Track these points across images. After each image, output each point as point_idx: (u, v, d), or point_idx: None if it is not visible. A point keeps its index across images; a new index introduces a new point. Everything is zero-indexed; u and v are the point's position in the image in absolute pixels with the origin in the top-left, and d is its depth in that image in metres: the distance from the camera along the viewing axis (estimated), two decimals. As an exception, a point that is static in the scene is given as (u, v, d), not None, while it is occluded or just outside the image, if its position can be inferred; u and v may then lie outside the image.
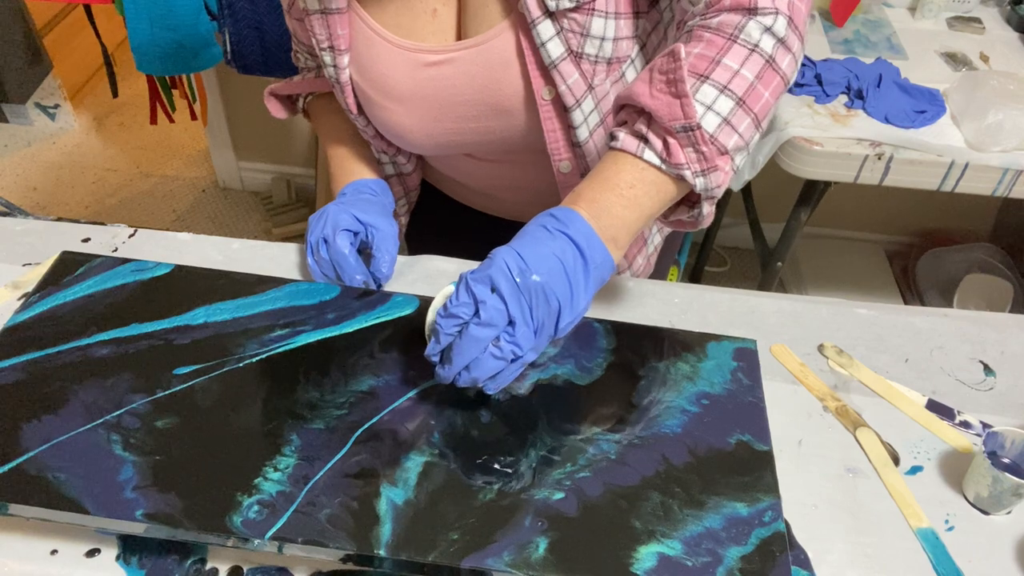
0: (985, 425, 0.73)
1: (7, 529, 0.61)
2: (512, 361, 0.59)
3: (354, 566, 0.59)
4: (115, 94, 1.86)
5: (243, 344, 0.70)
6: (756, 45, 0.61)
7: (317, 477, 0.60)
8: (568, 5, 0.67)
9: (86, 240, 0.85)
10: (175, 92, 1.81)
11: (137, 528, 0.57)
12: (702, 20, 0.63)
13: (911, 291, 2.03)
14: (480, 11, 0.72)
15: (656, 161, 0.61)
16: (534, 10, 0.68)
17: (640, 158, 0.61)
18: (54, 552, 0.60)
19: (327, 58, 0.78)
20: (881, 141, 1.27)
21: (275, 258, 0.85)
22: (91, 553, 0.60)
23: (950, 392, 0.76)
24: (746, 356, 0.74)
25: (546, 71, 0.71)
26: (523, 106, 0.75)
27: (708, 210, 0.64)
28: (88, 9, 1.73)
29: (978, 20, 1.57)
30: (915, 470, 0.70)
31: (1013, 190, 1.29)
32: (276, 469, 0.60)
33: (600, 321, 0.76)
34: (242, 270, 0.78)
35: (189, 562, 0.60)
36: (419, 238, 1.07)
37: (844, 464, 0.70)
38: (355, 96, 0.81)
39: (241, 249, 0.86)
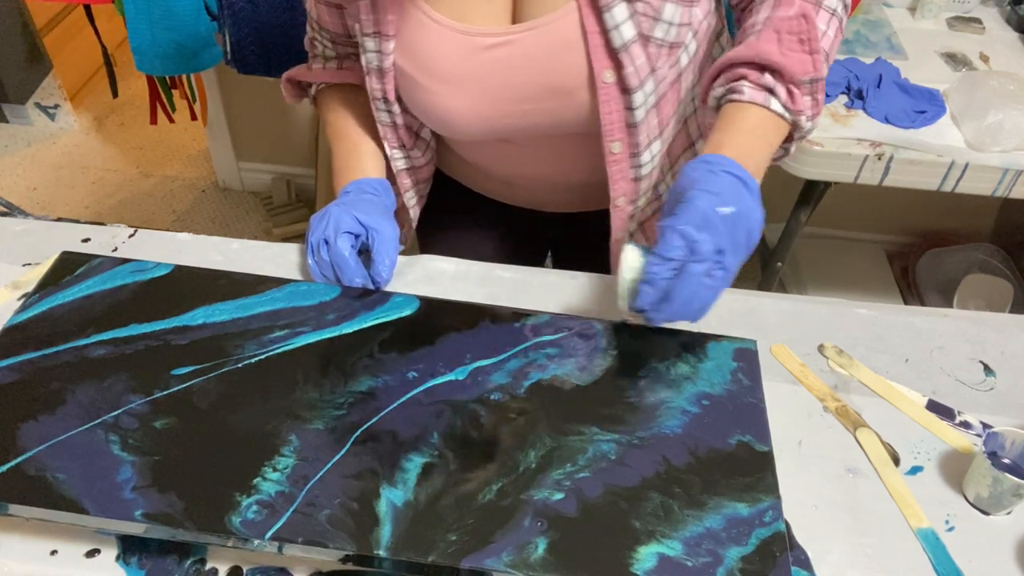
0: (985, 425, 0.73)
1: (7, 529, 0.61)
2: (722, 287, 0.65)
3: (354, 566, 0.59)
4: (115, 94, 1.86)
5: (242, 345, 0.70)
6: (834, 11, 0.74)
7: (317, 477, 0.60)
8: None
9: (86, 240, 0.85)
10: (175, 92, 1.81)
11: (136, 528, 0.57)
12: None
13: (911, 291, 2.03)
14: None
15: (780, 109, 0.71)
16: None
17: (767, 107, 0.71)
18: (54, 552, 0.60)
19: (371, 44, 0.78)
20: (881, 141, 1.27)
21: (275, 258, 0.85)
22: (91, 553, 0.60)
23: (950, 392, 0.76)
24: (746, 356, 0.74)
25: (613, 53, 0.73)
26: (582, 88, 0.75)
27: (794, 149, 0.77)
28: (88, 9, 1.73)
29: (978, 20, 1.57)
30: (915, 470, 0.70)
31: (1013, 190, 1.29)
32: (275, 469, 0.60)
33: (600, 321, 0.76)
34: (242, 270, 0.78)
35: (189, 562, 0.60)
36: (426, 228, 1.06)
37: (844, 464, 0.70)
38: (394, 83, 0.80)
39: (241, 249, 0.86)
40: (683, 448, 0.65)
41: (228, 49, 1.64)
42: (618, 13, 0.70)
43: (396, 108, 0.83)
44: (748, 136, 0.70)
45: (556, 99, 0.77)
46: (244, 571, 0.60)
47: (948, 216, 2.13)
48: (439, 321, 0.74)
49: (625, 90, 0.74)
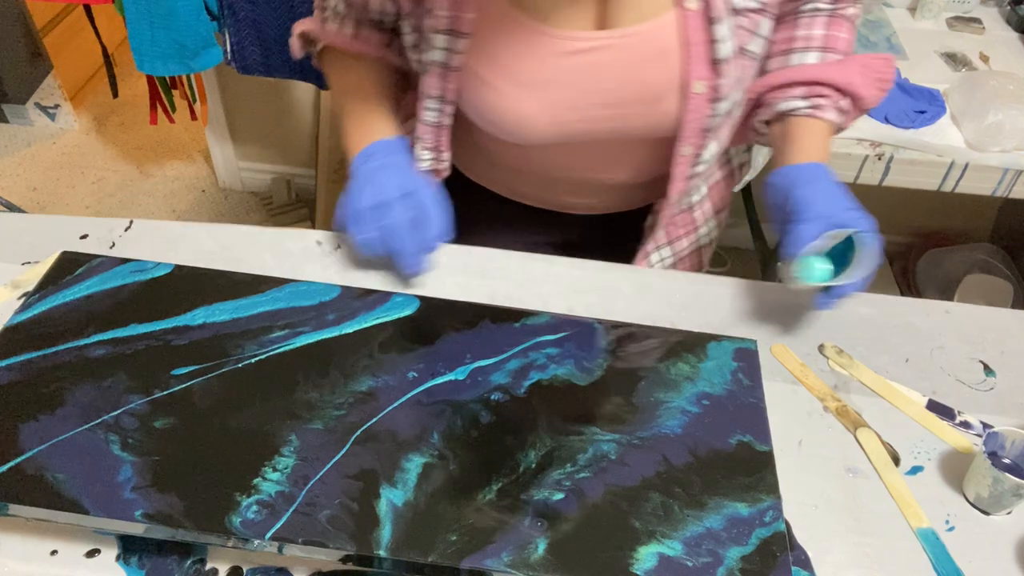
0: (985, 425, 0.73)
1: (7, 529, 0.61)
2: None
3: (354, 566, 0.59)
4: (115, 94, 1.86)
5: (242, 345, 0.70)
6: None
7: (317, 477, 0.60)
8: (753, 5, 0.72)
9: (84, 237, 0.85)
10: (175, 92, 1.81)
11: (136, 528, 0.57)
12: (841, 9, 0.83)
13: (911, 291, 2.03)
14: (641, 1, 0.72)
15: (842, 125, 0.83)
16: (718, 6, 0.71)
17: (840, 127, 0.83)
18: (54, 552, 0.60)
19: (440, 41, 0.75)
20: (881, 141, 1.27)
21: (272, 246, 0.84)
22: (91, 553, 0.60)
23: (950, 392, 0.76)
24: (746, 356, 0.74)
25: (713, 64, 0.73)
26: (671, 96, 0.76)
27: None
28: (88, 9, 1.73)
29: (978, 20, 1.57)
30: (915, 470, 0.70)
31: (1013, 190, 1.29)
32: (275, 469, 0.60)
33: (600, 321, 0.76)
34: (238, 257, 0.78)
35: (189, 562, 0.60)
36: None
37: (844, 464, 0.70)
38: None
39: (238, 236, 0.85)
40: (683, 448, 0.65)
41: (228, 49, 1.64)
42: (723, 26, 0.72)
43: (449, 109, 0.81)
44: (824, 148, 0.81)
45: (640, 106, 0.77)
46: (244, 571, 0.60)
47: (948, 216, 2.13)
48: (439, 321, 0.74)
49: (714, 100, 0.76)
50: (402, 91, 0.92)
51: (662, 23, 0.72)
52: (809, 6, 0.81)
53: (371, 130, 0.82)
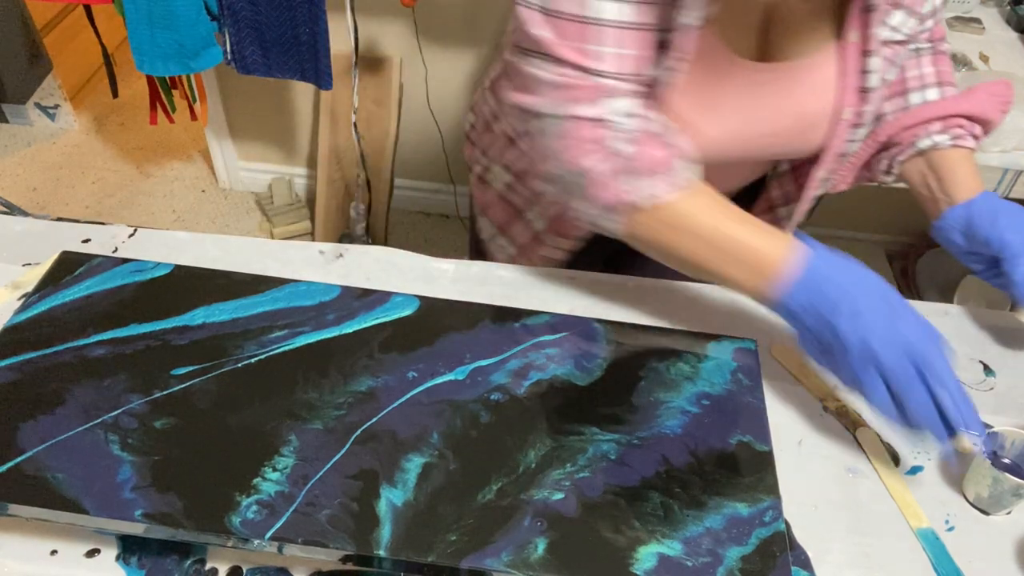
0: (985, 425, 0.73)
1: (7, 529, 0.61)
2: None
3: (354, 566, 0.59)
4: (115, 94, 1.86)
5: (242, 345, 0.70)
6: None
7: (316, 477, 0.60)
8: (901, 38, 0.76)
9: (86, 241, 0.85)
10: (175, 92, 1.81)
11: (136, 528, 0.57)
12: (939, 45, 0.87)
13: (911, 291, 2.03)
14: (809, 33, 0.74)
15: (975, 150, 0.85)
16: (874, 40, 0.73)
17: (974, 151, 0.85)
18: (54, 552, 0.60)
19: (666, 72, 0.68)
20: (881, 141, 1.26)
21: (274, 254, 0.85)
22: (91, 553, 0.60)
23: (950, 392, 0.76)
24: (746, 356, 0.74)
25: (863, 93, 0.76)
26: (823, 123, 0.78)
27: None
28: (88, 9, 1.73)
29: (978, 20, 1.57)
30: (915, 470, 0.70)
31: (1013, 190, 1.29)
32: (275, 469, 0.60)
33: (600, 321, 0.76)
34: (242, 267, 0.78)
35: (189, 562, 0.60)
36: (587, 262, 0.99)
37: (844, 464, 0.70)
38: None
39: (241, 245, 0.85)
40: (683, 448, 0.65)
41: (228, 49, 1.64)
42: (876, 58, 0.75)
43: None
44: (980, 177, 0.83)
45: (795, 133, 0.79)
46: (244, 571, 0.60)
47: (948, 216, 2.13)
48: (439, 321, 0.74)
49: (856, 125, 0.78)
50: None
51: (824, 56, 0.75)
52: (911, 46, 0.83)
53: (772, 233, 0.68)
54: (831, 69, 0.76)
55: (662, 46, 0.68)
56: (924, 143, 0.84)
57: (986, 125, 0.85)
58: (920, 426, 0.62)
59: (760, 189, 0.96)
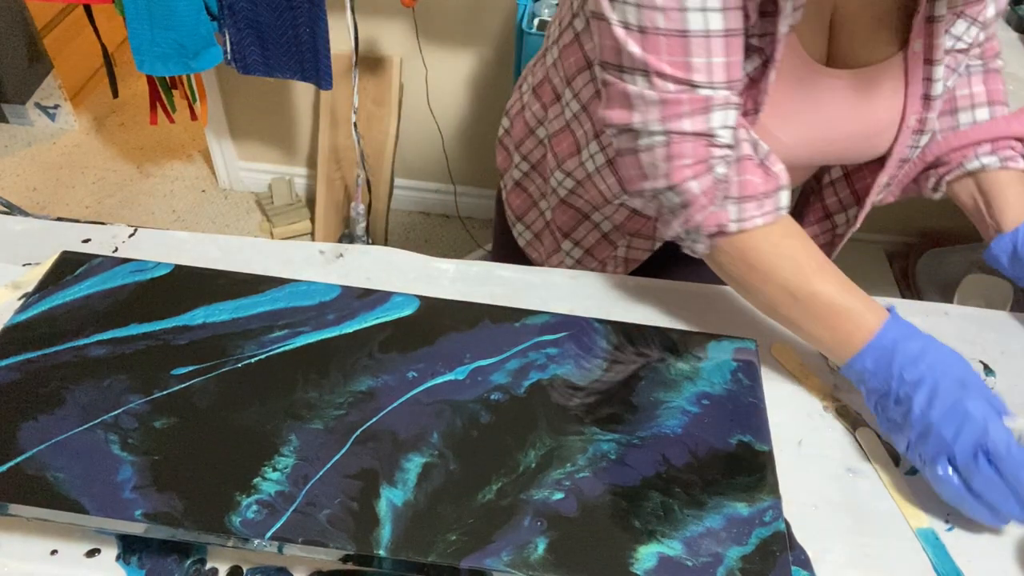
0: (985, 425, 0.73)
1: (7, 529, 0.61)
2: None
3: (354, 566, 0.59)
4: (115, 94, 1.86)
5: (242, 345, 0.70)
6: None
7: (316, 477, 0.60)
8: (964, 46, 0.77)
9: (86, 241, 0.85)
10: (175, 92, 1.81)
11: (136, 528, 0.57)
12: (991, 63, 0.87)
13: (911, 291, 2.03)
14: (873, 40, 0.74)
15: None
16: (939, 48, 0.74)
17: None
18: (54, 552, 0.60)
19: (748, 66, 0.69)
20: (881, 141, 1.27)
21: (275, 254, 0.85)
22: (91, 553, 0.60)
23: (950, 392, 0.76)
24: (746, 356, 0.74)
25: (927, 101, 0.77)
26: (889, 131, 0.79)
27: None
28: (88, 9, 1.73)
29: (978, 20, 1.57)
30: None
31: (1013, 190, 1.29)
32: (275, 469, 0.60)
33: (600, 321, 0.76)
34: (242, 268, 0.78)
35: (189, 562, 0.60)
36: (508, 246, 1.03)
37: (844, 464, 0.70)
38: None
39: (242, 246, 0.86)
40: (683, 448, 0.65)
41: (228, 49, 1.65)
42: (941, 66, 0.75)
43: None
44: None
45: (863, 139, 0.79)
46: (244, 571, 0.60)
47: (948, 216, 2.13)
48: (439, 321, 0.74)
49: (919, 132, 0.79)
50: None
51: (889, 64, 0.75)
52: (963, 65, 0.84)
53: (866, 299, 0.69)
54: (898, 76, 0.76)
55: (747, 52, 0.68)
56: (972, 164, 0.84)
57: None
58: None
59: (808, 197, 0.96)
